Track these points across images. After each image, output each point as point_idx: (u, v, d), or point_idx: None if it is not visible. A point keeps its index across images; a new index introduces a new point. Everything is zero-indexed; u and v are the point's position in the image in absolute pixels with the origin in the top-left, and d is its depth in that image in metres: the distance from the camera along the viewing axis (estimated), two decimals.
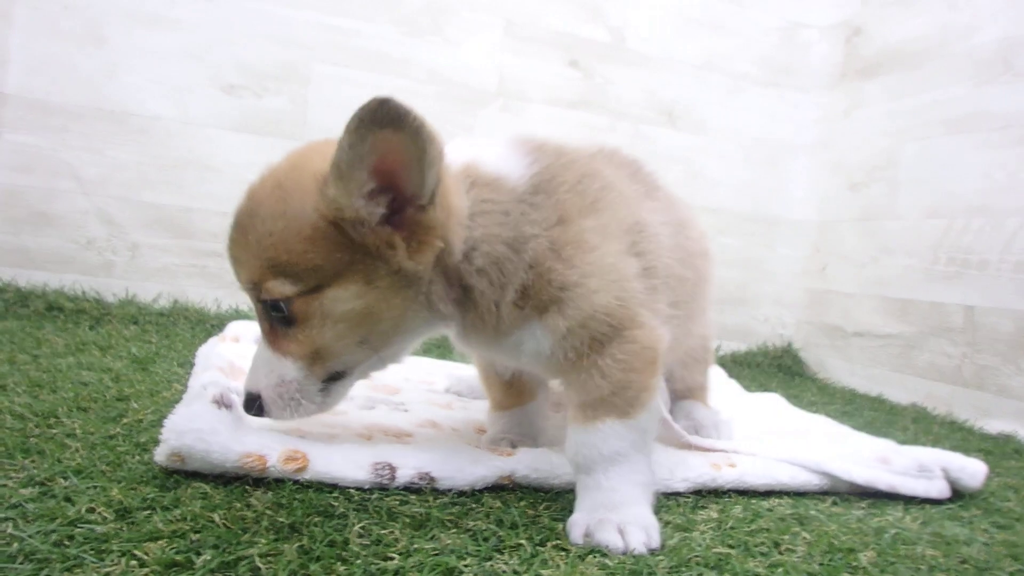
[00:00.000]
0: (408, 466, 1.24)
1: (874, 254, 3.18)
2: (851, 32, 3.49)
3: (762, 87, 3.57)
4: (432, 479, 1.23)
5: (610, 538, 1.11)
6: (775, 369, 3.40)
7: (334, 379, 1.23)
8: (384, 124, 1.03)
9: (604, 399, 1.23)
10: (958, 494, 1.57)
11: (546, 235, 1.23)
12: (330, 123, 2.85)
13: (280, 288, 1.14)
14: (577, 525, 1.15)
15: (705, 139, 3.45)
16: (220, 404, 1.22)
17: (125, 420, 1.38)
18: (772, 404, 2.36)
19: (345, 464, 1.20)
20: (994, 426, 2.46)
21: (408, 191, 1.11)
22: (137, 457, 1.19)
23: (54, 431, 1.26)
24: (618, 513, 1.15)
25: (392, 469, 1.22)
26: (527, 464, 1.30)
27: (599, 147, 1.54)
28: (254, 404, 1.20)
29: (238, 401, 1.25)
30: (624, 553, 1.09)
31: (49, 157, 2.64)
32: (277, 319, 1.18)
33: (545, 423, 1.61)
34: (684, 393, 1.87)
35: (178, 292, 2.78)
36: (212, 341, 2.10)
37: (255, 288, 1.17)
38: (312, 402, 1.22)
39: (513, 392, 1.60)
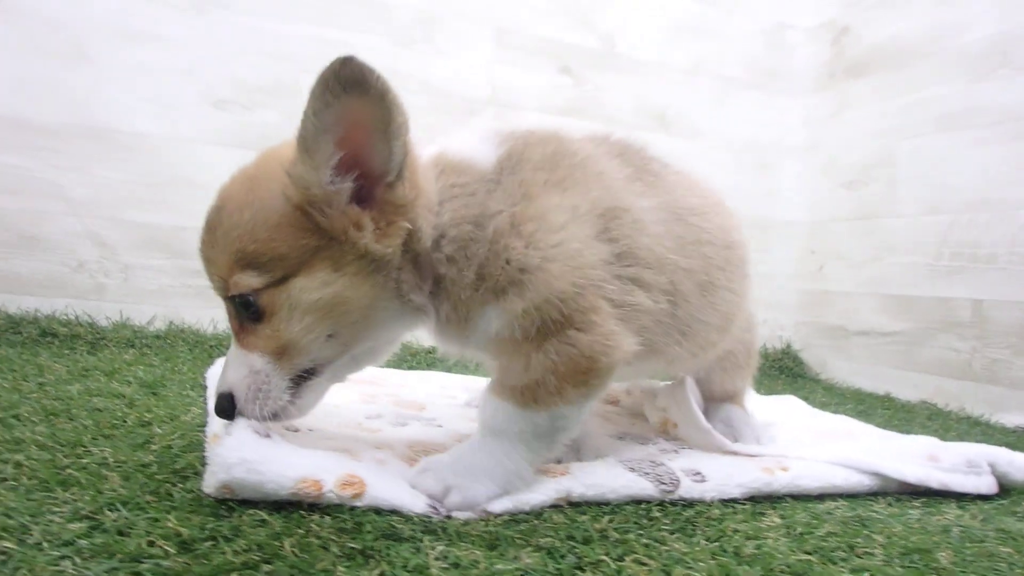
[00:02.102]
0: None
1: (873, 252, 3.18)
2: (838, 32, 3.49)
3: (750, 90, 3.57)
4: (486, 511, 1.15)
5: (429, 486, 1.15)
6: (776, 371, 3.38)
7: (305, 378, 1.20)
8: (349, 87, 1.02)
9: (515, 387, 1.20)
10: (1004, 489, 1.54)
11: (508, 211, 1.19)
12: None
13: (247, 281, 1.12)
14: (422, 463, 1.21)
15: (696, 144, 3.43)
16: (260, 433, 1.15)
17: (154, 447, 1.31)
18: (792, 407, 2.33)
19: (402, 491, 1.14)
20: (1009, 420, 2.46)
21: (375, 168, 1.09)
22: (180, 485, 1.12)
23: (84, 460, 1.19)
24: (457, 475, 1.16)
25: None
26: (582, 482, 1.25)
27: (596, 133, 1.50)
28: (229, 405, 1.17)
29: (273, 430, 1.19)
30: (431, 503, 1.12)
31: (37, 178, 2.55)
32: (246, 316, 1.15)
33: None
34: (721, 397, 1.81)
35: (172, 313, 2.70)
36: (220, 361, 2.03)
37: (224, 285, 1.15)
38: (280, 398, 1.18)
39: None
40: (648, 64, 3.37)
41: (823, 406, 2.44)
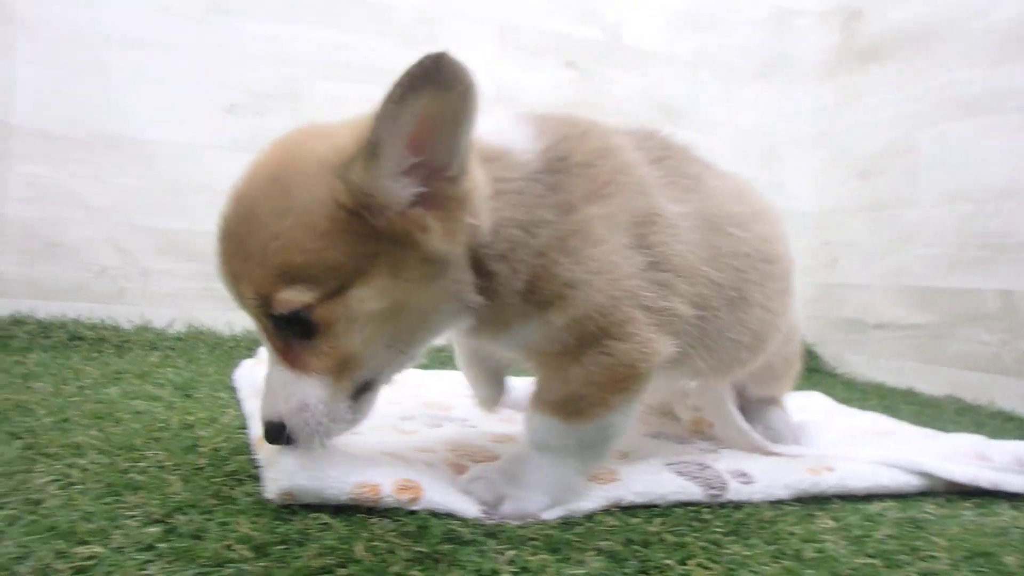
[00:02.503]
0: None
1: (890, 244, 3.10)
2: (848, 16, 3.40)
3: (758, 80, 3.52)
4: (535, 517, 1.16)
5: (482, 494, 1.14)
6: None
7: (363, 391, 1.12)
8: (439, 86, 0.92)
9: (555, 402, 1.18)
10: None
11: (557, 222, 1.13)
12: None
13: (298, 297, 0.99)
14: (474, 471, 1.20)
15: (704, 135, 3.36)
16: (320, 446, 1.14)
17: (202, 449, 1.32)
18: (819, 404, 2.31)
19: (455, 496, 1.14)
20: None
21: (438, 162, 0.99)
22: (238, 489, 1.13)
23: (142, 464, 1.20)
24: (510, 485, 1.15)
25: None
26: (632, 489, 1.24)
27: (638, 129, 1.42)
28: (280, 434, 1.07)
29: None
30: (484, 509, 1.12)
31: (58, 187, 2.57)
32: (295, 333, 1.04)
33: None
34: (759, 401, 1.77)
35: (191, 316, 2.71)
36: (247, 364, 2.07)
37: (264, 302, 1.02)
38: (343, 421, 1.10)
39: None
40: (654, 56, 3.33)
41: (846, 402, 2.42)
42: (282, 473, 1.07)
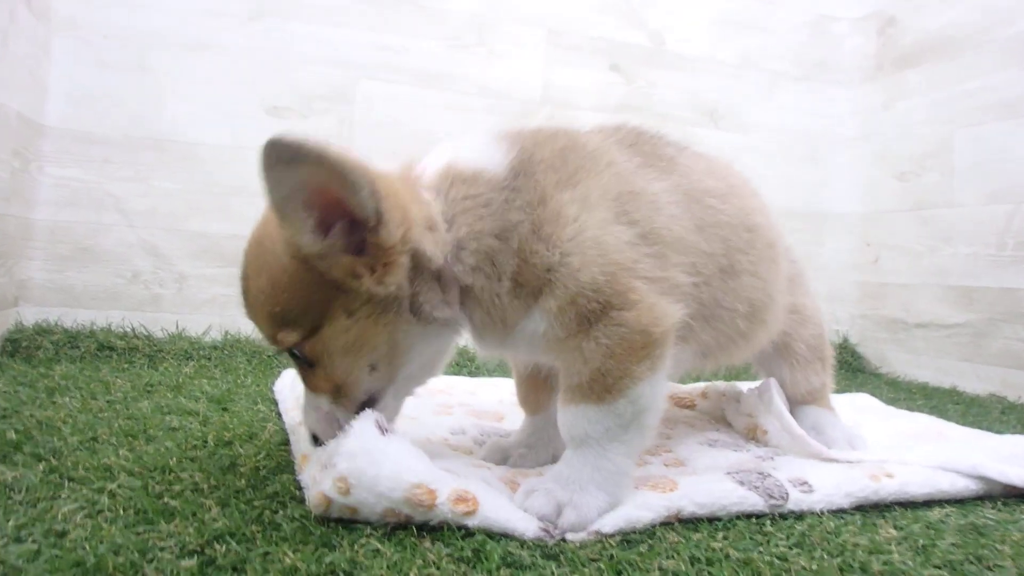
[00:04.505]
0: None
1: (931, 243, 3.10)
2: (884, 23, 3.43)
3: (799, 82, 3.50)
4: (600, 533, 1.10)
5: (541, 507, 1.11)
6: (835, 366, 3.28)
7: (369, 405, 1.22)
8: (289, 161, 1.00)
9: (582, 384, 1.18)
10: None
11: (529, 218, 1.18)
12: (377, 141, 2.80)
13: (288, 337, 1.16)
14: (526, 485, 1.18)
15: (747, 138, 3.37)
16: (381, 428, 1.13)
17: (241, 469, 1.26)
18: (867, 404, 2.26)
19: (512, 513, 1.09)
20: None
21: (358, 216, 1.08)
22: (281, 513, 1.07)
23: (176, 487, 1.15)
24: (566, 490, 1.14)
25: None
26: (693, 499, 1.19)
27: (605, 125, 1.48)
28: (316, 441, 1.22)
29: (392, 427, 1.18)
30: (542, 523, 1.09)
31: (93, 190, 2.54)
32: (300, 364, 1.21)
33: None
34: (803, 398, 1.74)
35: (228, 323, 2.66)
36: (288, 374, 1.99)
37: (272, 341, 1.19)
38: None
39: (533, 395, 1.52)
40: (697, 59, 3.33)
41: (891, 402, 2.38)
42: (344, 454, 1.06)
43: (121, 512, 1.03)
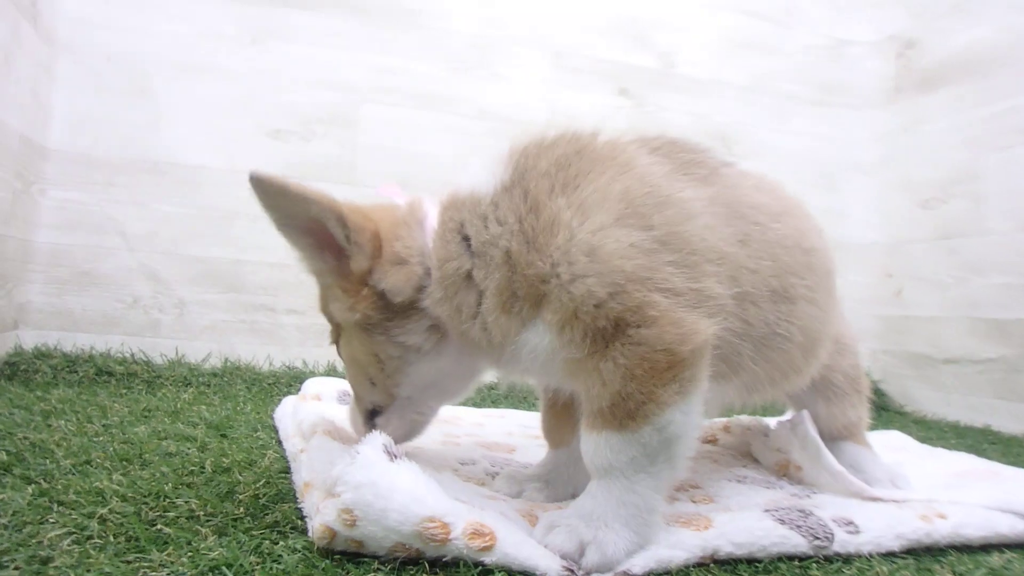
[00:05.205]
0: None
1: (959, 274, 2.98)
2: (903, 46, 3.36)
3: (813, 107, 3.44)
4: (628, 574, 1.01)
5: (562, 544, 1.02)
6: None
7: (375, 414, 1.31)
8: (267, 193, 1.12)
9: (603, 410, 1.06)
10: None
11: (519, 226, 1.10)
12: (378, 165, 2.74)
13: (332, 334, 1.33)
14: (546, 519, 1.08)
15: (759, 163, 3.28)
16: (390, 454, 1.03)
17: (240, 496, 1.18)
18: (902, 444, 2.14)
19: (532, 550, 0.99)
20: None
21: (339, 243, 1.18)
22: (281, 543, 0.98)
23: (171, 514, 1.06)
24: (590, 527, 1.04)
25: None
26: (730, 539, 1.10)
27: (642, 134, 1.34)
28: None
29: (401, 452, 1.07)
30: (566, 564, 0.99)
31: (94, 213, 2.49)
32: None
33: None
34: (838, 433, 1.63)
35: (228, 350, 2.59)
36: (288, 401, 1.91)
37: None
38: (359, 429, 1.31)
39: (557, 428, 1.41)
40: (707, 82, 3.27)
41: (923, 441, 2.25)
42: (348, 484, 0.96)
43: (112, 539, 0.95)
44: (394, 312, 1.19)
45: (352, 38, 2.77)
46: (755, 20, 3.35)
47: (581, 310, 1.04)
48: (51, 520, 1.00)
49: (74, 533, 0.96)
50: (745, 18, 3.34)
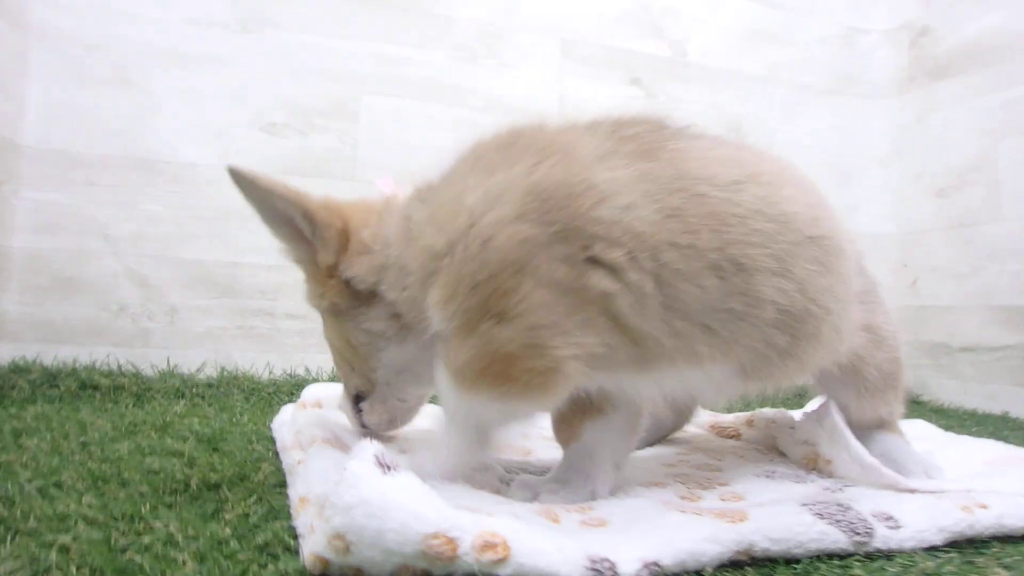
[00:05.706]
0: (630, 559, 0.91)
1: (975, 262, 2.94)
2: (916, 34, 3.30)
3: (827, 96, 3.36)
4: (659, 566, 0.90)
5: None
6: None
7: (360, 399, 1.35)
8: (239, 188, 1.23)
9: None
10: None
11: (428, 208, 1.17)
12: (381, 159, 2.60)
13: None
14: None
15: (774, 153, 3.21)
16: (383, 466, 0.92)
17: (227, 516, 1.05)
18: (927, 433, 2.04)
19: (551, 553, 0.87)
20: None
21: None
22: (270, 567, 0.86)
23: (146, 539, 0.93)
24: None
25: (611, 564, 0.89)
26: (766, 534, 1.00)
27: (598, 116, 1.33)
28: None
29: (403, 461, 0.97)
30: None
31: (75, 215, 2.35)
32: None
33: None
34: (868, 424, 1.53)
35: (224, 358, 2.47)
36: (287, 410, 1.80)
37: None
38: (349, 414, 1.38)
39: (565, 423, 1.33)
40: (721, 72, 3.18)
41: (945, 431, 2.15)
42: (337, 508, 0.85)
43: (73, 571, 0.82)
44: (359, 300, 1.25)
45: (352, 25, 2.66)
46: (769, 9, 3.27)
47: (462, 284, 1.06)
48: (2, 553, 0.87)
49: (27, 567, 0.83)
50: (759, 7, 3.26)
